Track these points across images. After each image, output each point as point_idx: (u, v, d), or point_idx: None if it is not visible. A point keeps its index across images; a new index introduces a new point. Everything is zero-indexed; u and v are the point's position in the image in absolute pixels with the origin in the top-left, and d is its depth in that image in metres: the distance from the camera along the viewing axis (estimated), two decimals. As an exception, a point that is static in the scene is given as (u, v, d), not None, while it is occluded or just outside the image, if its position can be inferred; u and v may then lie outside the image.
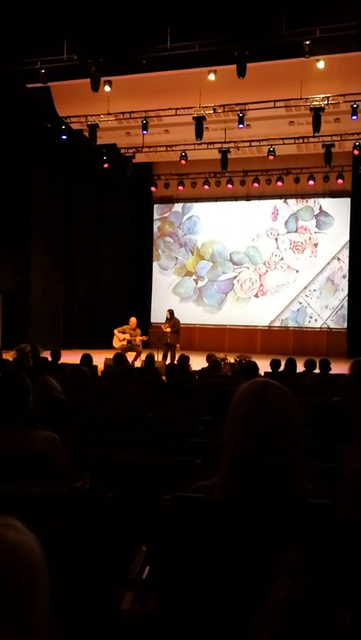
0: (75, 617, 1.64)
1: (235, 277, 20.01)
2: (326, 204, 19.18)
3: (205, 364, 9.66)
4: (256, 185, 18.65)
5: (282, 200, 19.53)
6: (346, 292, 18.75)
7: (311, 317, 19.23)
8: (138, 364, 11.94)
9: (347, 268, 18.73)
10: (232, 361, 10.86)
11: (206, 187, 19.09)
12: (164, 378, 7.51)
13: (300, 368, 8.87)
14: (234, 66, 11.62)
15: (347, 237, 18.75)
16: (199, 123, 14.23)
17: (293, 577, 0.86)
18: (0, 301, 15.78)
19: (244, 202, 19.78)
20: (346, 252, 18.79)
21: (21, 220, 16.68)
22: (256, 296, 19.76)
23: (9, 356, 9.42)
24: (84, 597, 1.71)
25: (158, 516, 1.69)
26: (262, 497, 1.59)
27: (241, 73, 11.60)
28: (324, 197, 19.12)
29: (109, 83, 13.32)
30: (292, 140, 16.23)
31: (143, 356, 10.44)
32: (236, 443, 1.64)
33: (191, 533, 1.63)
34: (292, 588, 0.85)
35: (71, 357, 10.36)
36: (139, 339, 13.69)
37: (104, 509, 1.79)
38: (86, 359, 8.53)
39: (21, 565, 0.90)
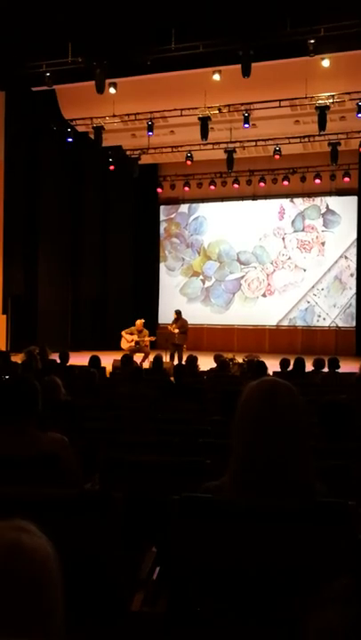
0: (85, 618, 1.64)
1: (242, 277, 19.99)
2: (333, 202, 19.12)
3: (214, 365, 9.65)
4: (262, 184, 18.62)
5: (288, 199, 19.49)
6: (354, 290, 18.68)
7: (319, 316, 19.17)
8: (146, 365, 11.95)
9: (355, 266, 18.66)
10: (240, 361, 10.83)
11: (212, 187, 19.07)
12: (172, 378, 7.52)
13: (309, 367, 8.85)
14: (238, 66, 11.60)
15: (354, 235, 18.67)
16: (204, 123, 14.22)
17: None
18: (9, 304, 15.83)
19: (250, 201, 19.74)
20: (353, 251, 18.72)
21: (29, 223, 16.74)
22: (264, 295, 19.73)
23: (18, 358, 9.45)
24: (93, 598, 1.71)
25: (168, 517, 1.69)
26: (271, 496, 1.59)
27: (246, 73, 11.58)
28: (330, 196, 19.06)
29: (114, 85, 13.33)
30: (298, 139, 16.18)
31: (151, 357, 10.44)
32: (244, 442, 1.64)
33: (200, 533, 1.63)
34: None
35: (79, 359, 10.37)
36: (147, 339, 13.70)
37: (112, 510, 1.79)
38: (94, 361, 8.54)
39: (38, 569, 0.91)
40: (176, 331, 13.85)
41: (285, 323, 19.43)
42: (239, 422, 1.67)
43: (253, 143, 16.64)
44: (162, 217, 20.91)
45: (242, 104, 14.17)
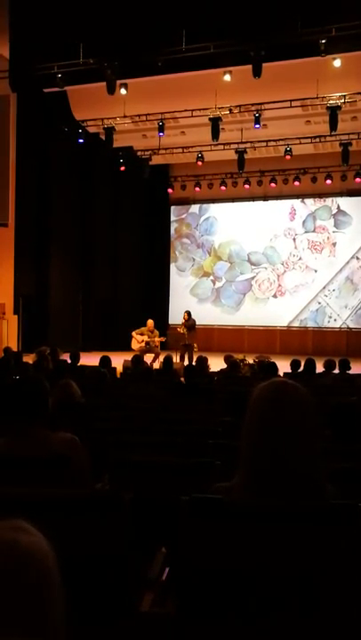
0: (93, 618, 1.64)
1: (253, 278, 19.96)
2: (344, 202, 19.05)
3: (224, 365, 9.63)
4: (273, 185, 18.58)
5: (299, 200, 19.44)
6: (365, 291, 18.61)
7: (330, 317, 19.10)
8: (156, 365, 11.96)
9: (366, 267, 18.60)
10: (251, 362, 10.80)
11: (223, 187, 19.06)
12: (182, 379, 7.51)
13: (320, 368, 8.81)
14: (249, 66, 11.57)
15: (365, 236, 18.61)
16: (215, 123, 14.21)
17: None
18: (20, 305, 15.89)
19: (261, 202, 19.72)
20: (365, 251, 18.65)
21: (40, 224, 16.81)
22: (274, 296, 19.69)
23: (29, 359, 9.50)
24: (102, 598, 1.72)
25: (177, 518, 1.69)
26: (281, 497, 1.59)
27: (257, 73, 11.55)
28: (341, 196, 18.99)
29: (125, 85, 13.35)
30: (309, 140, 16.13)
31: (161, 358, 10.44)
32: (253, 443, 1.64)
33: (210, 534, 1.62)
34: None
35: (90, 359, 10.39)
36: (157, 340, 13.71)
37: (122, 511, 1.79)
38: (105, 361, 8.56)
39: (36, 569, 0.90)
40: (184, 330, 13.89)
41: (296, 324, 19.38)
42: (248, 423, 1.67)
43: (264, 144, 16.61)
44: (172, 217, 20.93)
45: (253, 104, 14.15)
